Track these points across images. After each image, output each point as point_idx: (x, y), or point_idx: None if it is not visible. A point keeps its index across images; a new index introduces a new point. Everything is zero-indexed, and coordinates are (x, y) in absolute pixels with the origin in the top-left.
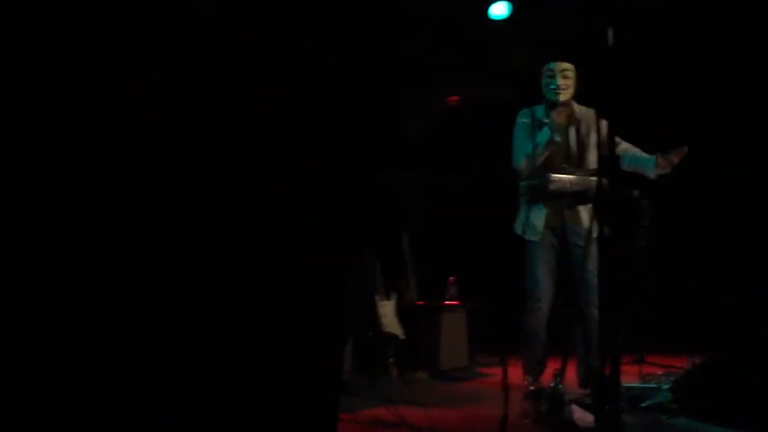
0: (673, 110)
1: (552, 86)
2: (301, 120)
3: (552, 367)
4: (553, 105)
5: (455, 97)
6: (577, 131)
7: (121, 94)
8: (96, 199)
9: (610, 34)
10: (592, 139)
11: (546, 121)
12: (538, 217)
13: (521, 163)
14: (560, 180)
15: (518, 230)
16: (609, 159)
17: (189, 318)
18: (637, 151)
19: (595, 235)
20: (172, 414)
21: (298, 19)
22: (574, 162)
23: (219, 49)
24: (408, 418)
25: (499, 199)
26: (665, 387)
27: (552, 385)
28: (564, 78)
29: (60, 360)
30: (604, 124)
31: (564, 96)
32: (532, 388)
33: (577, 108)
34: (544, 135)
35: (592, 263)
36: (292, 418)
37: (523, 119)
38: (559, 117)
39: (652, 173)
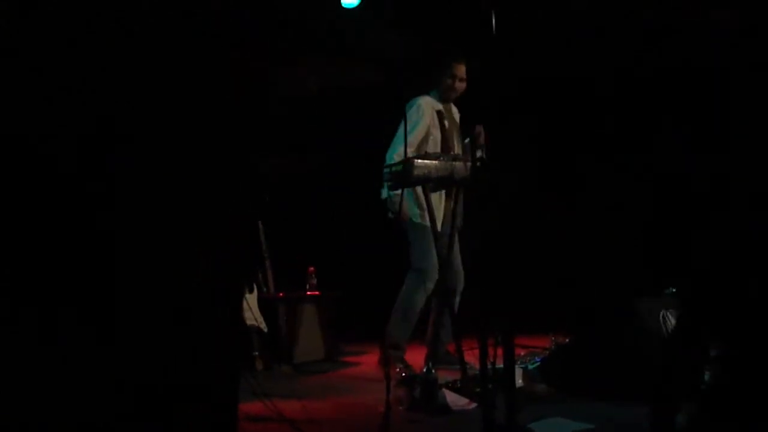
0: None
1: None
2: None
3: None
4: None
5: (315, 87)
6: (449, 121)
7: None
8: None
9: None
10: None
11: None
12: (432, 199)
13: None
14: (425, 165)
15: (414, 216)
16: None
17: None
18: None
19: (459, 219)
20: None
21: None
22: (450, 149)
23: None
24: (284, 412)
25: (356, 187)
26: (532, 367)
27: (424, 370)
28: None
29: None
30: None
31: None
32: (404, 374)
33: None
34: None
35: (457, 246)
36: (194, 419)
37: (424, 108)
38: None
39: None
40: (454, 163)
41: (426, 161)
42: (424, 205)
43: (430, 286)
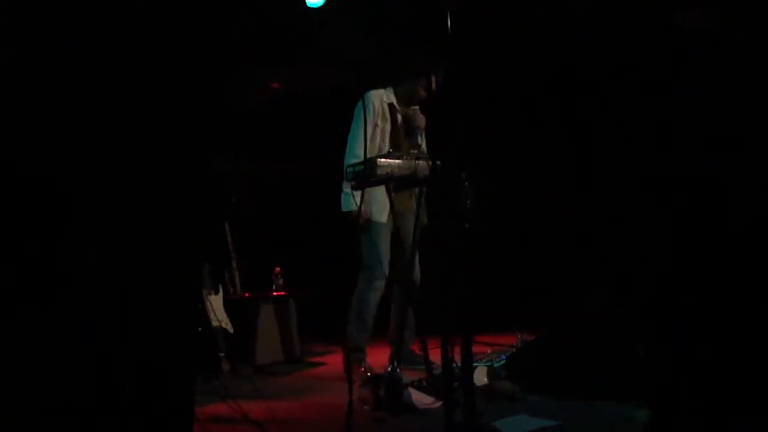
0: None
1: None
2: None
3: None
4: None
5: (276, 84)
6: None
7: None
8: None
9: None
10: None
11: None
12: (385, 197)
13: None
14: (388, 164)
15: (371, 214)
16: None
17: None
18: None
19: (423, 217)
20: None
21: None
22: (407, 147)
23: None
24: (250, 413)
25: (322, 187)
26: (497, 364)
27: (389, 369)
28: None
29: None
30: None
31: None
32: (369, 374)
33: None
34: None
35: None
36: (148, 419)
37: (371, 101)
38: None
39: None
40: (417, 161)
41: (389, 160)
42: (383, 204)
43: (380, 283)
